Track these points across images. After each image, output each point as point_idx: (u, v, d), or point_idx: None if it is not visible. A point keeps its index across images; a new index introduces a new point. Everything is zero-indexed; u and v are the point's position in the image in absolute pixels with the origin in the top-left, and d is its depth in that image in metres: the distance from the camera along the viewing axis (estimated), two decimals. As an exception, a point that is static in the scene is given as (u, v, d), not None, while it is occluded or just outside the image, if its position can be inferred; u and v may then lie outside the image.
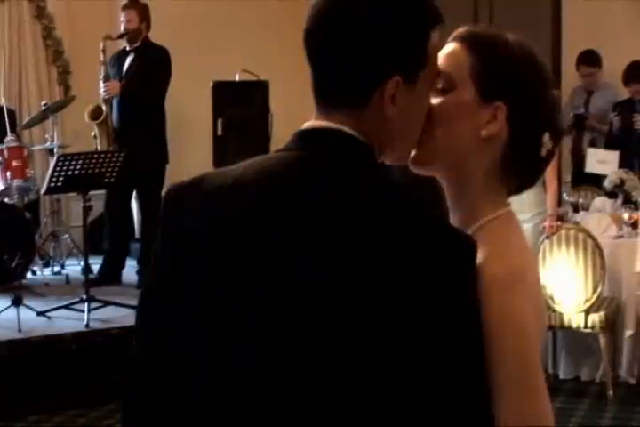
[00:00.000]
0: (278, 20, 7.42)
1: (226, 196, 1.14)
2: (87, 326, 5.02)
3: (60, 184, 5.33)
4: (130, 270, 6.34)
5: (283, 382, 1.07)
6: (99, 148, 6.21)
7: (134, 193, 6.49)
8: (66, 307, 5.24)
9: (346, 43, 1.12)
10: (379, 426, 1.05)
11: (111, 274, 6.27)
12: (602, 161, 6.17)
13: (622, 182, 5.53)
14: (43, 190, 5.59)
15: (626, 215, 5.22)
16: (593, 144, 6.91)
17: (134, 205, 6.90)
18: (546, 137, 1.25)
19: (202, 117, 7.01)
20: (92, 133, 6.31)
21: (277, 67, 7.08)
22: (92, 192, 5.70)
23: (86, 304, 5.09)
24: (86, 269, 5.55)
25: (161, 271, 1.19)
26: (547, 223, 4.99)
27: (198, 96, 6.99)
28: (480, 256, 1.11)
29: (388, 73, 1.12)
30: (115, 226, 6.41)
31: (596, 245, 4.82)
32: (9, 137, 6.35)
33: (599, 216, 5.52)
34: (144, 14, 6.28)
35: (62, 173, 5.27)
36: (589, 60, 6.85)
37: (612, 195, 5.74)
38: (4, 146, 6.23)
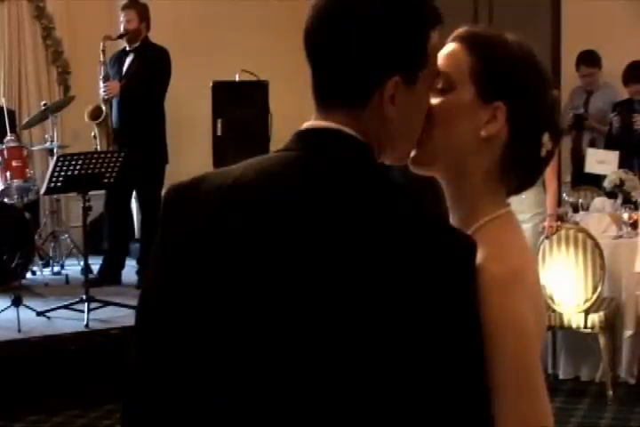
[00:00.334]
0: (278, 21, 7.41)
1: (226, 196, 1.14)
2: (87, 326, 5.02)
3: (59, 184, 5.33)
4: (130, 270, 6.34)
5: (284, 382, 1.07)
6: (98, 148, 6.21)
7: (134, 193, 6.49)
8: (66, 307, 5.24)
9: (346, 43, 1.12)
10: (378, 426, 1.05)
11: (111, 274, 6.27)
12: (601, 161, 6.17)
13: (622, 182, 5.53)
14: (42, 190, 5.59)
15: (625, 215, 5.22)
16: (593, 144, 6.91)
17: (134, 205, 6.91)
18: (545, 137, 1.25)
19: (202, 117, 7.01)
20: (92, 133, 6.31)
21: (277, 67, 7.08)
22: (91, 192, 5.70)
23: (86, 304, 5.09)
24: (86, 269, 5.56)
25: (160, 272, 1.19)
26: (546, 223, 4.99)
27: (198, 96, 7.00)
28: (480, 256, 1.11)
29: (388, 73, 1.12)
30: (115, 226, 6.41)
31: (596, 245, 4.82)
32: (9, 137, 6.35)
33: (599, 216, 5.52)
34: (144, 14, 6.28)
35: (62, 173, 5.27)
36: (589, 60, 6.86)
37: (611, 195, 5.74)
38: (3, 146, 6.23)
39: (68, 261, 6.76)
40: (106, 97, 6.21)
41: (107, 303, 5.27)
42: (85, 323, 5.01)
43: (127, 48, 6.37)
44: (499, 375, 1.10)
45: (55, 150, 6.29)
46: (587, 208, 5.73)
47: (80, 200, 5.54)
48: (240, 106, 6.73)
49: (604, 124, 6.87)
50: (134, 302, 5.53)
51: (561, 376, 5.06)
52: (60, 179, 5.29)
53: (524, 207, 4.68)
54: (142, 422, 1.19)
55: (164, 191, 1.27)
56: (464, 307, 1.08)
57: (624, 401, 4.61)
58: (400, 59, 1.13)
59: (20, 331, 4.88)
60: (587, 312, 4.79)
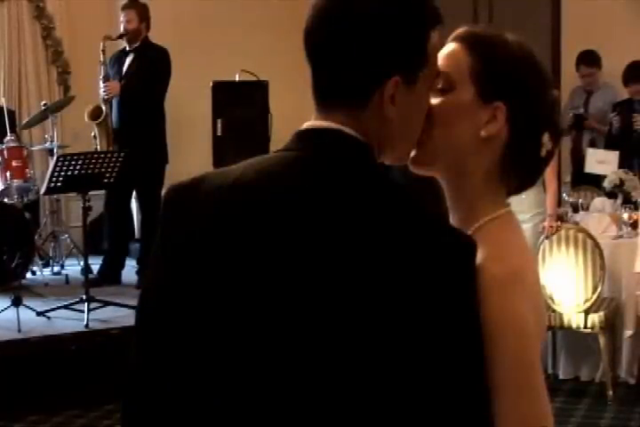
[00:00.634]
0: (278, 20, 7.42)
1: (226, 196, 1.14)
2: (87, 326, 5.02)
3: (59, 184, 5.33)
4: (130, 270, 6.34)
5: (284, 382, 1.07)
6: (98, 148, 6.21)
7: (134, 193, 6.49)
8: (65, 307, 5.24)
9: (346, 43, 1.12)
10: (378, 426, 1.05)
11: (111, 274, 6.27)
12: (601, 161, 6.17)
13: (622, 182, 5.53)
14: (42, 191, 5.59)
15: (625, 215, 5.21)
16: (592, 144, 6.91)
17: (134, 205, 6.91)
18: (545, 137, 1.25)
19: (202, 117, 7.01)
20: (92, 134, 6.31)
21: (277, 67, 7.08)
22: (91, 192, 5.70)
23: (86, 304, 5.10)
24: (86, 269, 5.56)
25: (160, 272, 1.19)
26: (546, 223, 4.99)
27: (198, 96, 7.00)
28: (480, 256, 1.11)
29: (388, 73, 1.13)
30: (115, 226, 6.41)
31: (596, 246, 4.82)
32: (9, 137, 6.35)
33: (599, 216, 5.52)
34: (144, 14, 6.28)
35: (62, 174, 5.27)
36: (589, 60, 6.86)
37: (611, 195, 5.74)
38: (3, 146, 6.23)
39: (67, 261, 6.76)
40: (106, 97, 6.21)
41: (107, 303, 5.27)
42: (85, 323, 5.01)
43: (127, 48, 6.37)
44: (499, 375, 1.10)
45: (55, 150, 6.29)
46: (587, 208, 5.73)
47: (80, 200, 5.53)
48: (240, 106, 6.73)
49: (604, 124, 6.87)
50: (134, 302, 5.53)
51: (561, 376, 5.06)
52: (60, 179, 5.29)
53: (524, 207, 4.68)
54: (142, 422, 1.19)
55: (164, 191, 1.27)
56: (464, 307, 1.08)
57: (624, 401, 4.61)
58: (400, 59, 1.13)
59: (19, 331, 4.88)
60: (587, 312, 4.79)
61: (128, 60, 6.32)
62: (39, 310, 5.18)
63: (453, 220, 1.26)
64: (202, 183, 1.17)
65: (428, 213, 1.11)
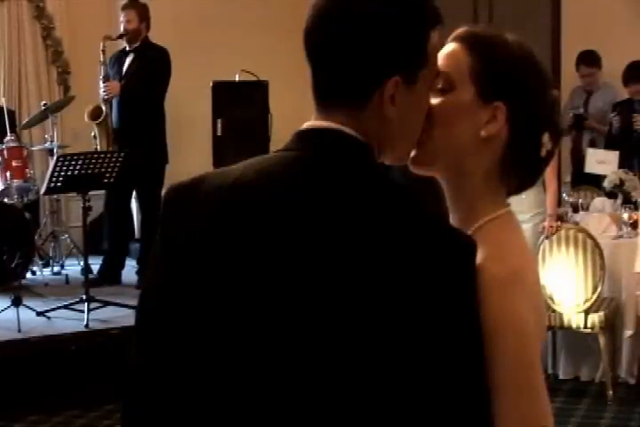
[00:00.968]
0: (278, 20, 7.42)
1: (226, 196, 1.14)
2: (87, 326, 5.02)
3: (59, 184, 5.33)
4: (130, 270, 6.34)
5: (284, 382, 1.07)
6: (98, 148, 6.22)
7: (134, 193, 6.49)
8: (65, 307, 5.24)
9: (346, 43, 1.12)
10: (378, 426, 1.05)
11: (111, 274, 6.27)
12: (601, 161, 6.17)
13: (622, 182, 5.53)
14: (42, 191, 5.59)
15: (625, 215, 5.21)
16: (592, 144, 6.91)
17: (134, 205, 6.91)
18: (545, 137, 1.25)
19: (202, 117, 7.01)
20: (92, 134, 6.31)
21: (277, 67, 7.08)
22: (91, 192, 5.70)
23: (86, 304, 5.10)
24: (86, 269, 5.56)
25: (160, 272, 1.19)
26: (546, 223, 4.99)
27: (198, 96, 7.00)
28: (480, 256, 1.11)
29: (388, 73, 1.13)
30: (115, 226, 6.41)
31: (596, 246, 4.82)
32: (9, 137, 6.35)
33: (599, 216, 5.52)
34: (144, 14, 6.28)
35: (62, 174, 5.27)
36: (589, 60, 6.86)
37: (611, 195, 5.74)
38: (3, 146, 6.23)
39: (67, 261, 6.77)
40: (106, 97, 6.21)
41: (107, 303, 5.27)
42: (85, 323, 5.01)
43: (127, 48, 6.37)
44: (499, 375, 1.10)
45: (55, 150, 6.29)
46: (587, 208, 5.73)
47: (80, 200, 5.54)
48: (240, 106, 6.73)
49: (604, 124, 6.87)
50: (134, 302, 5.53)
51: (561, 376, 5.06)
52: (60, 179, 5.29)
53: (524, 207, 4.68)
54: (142, 422, 1.19)
55: (164, 191, 1.27)
56: (464, 307, 1.08)
57: (624, 401, 4.61)
58: (400, 59, 1.13)
59: (19, 331, 4.88)
60: (587, 312, 4.79)
61: (128, 60, 6.32)
62: (39, 310, 5.18)
63: (453, 220, 1.26)
64: (202, 183, 1.17)
65: (428, 213, 1.11)
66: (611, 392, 4.68)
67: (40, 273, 6.45)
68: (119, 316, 5.13)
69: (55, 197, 6.80)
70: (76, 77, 7.46)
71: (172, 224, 1.19)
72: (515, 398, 1.11)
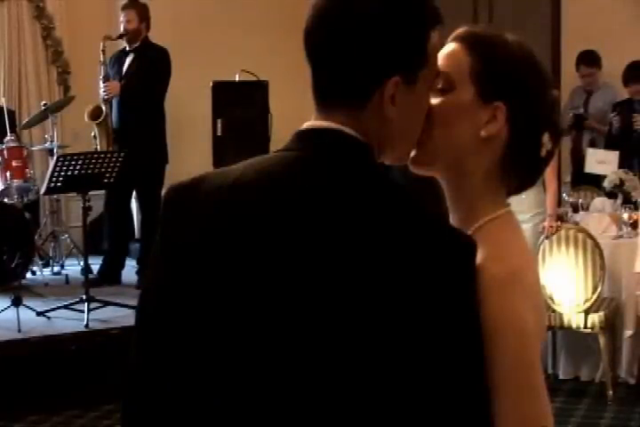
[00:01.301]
0: (278, 20, 7.42)
1: (226, 196, 1.14)
2: (87, 326, 5.02)
3: (59, 184, 5.33)
4: (130, 270, 6.34)
5: (284, 382, 1.07)
6: (98, 148, 6.22)
7: (134, 193, 6.49)
8: (65, 307, 5.24)
9: (346, 43, 1.12)
10: (378, 425, 1.05)
11: (111, 274, 6.27)
12: (601, 161, 6.17)
13: (622, 182, 5.53)
14: (42, 190, 5.59)
15: (625, 215, 5.21)
16: (593, 144, 6.91)
17: (134, 205, 6.91)
18: (545, 137, 1.25)
19: (202, 117, 7.01)
20: (92, 134, 6.31)
21: (277, 67, 7.08)
22: (91, 192, 5.70)
23: (86, 304, 5.10)
24: (86, 269, 5.56)
25: (160, 272, 1.19)
26: (546, 223, 4.99)
27: (198, 96, 7.00)
28: (480, 256, 1.11)
29: (388, 73, 1.12)
30: (115, 226, 6.41)
31: (596, 245, 4.82)
32: (9, 137, 6.35)
33: (599, 216, 5.52)
34: (144, 14, 6.28)
35: (62, 174, 5.27)
36: (589, 60, 6.86)
37: (611, 195, 5.74)
38: (3, 146, 6.23)
39: (67, 261, 6.76)
40: (106, 97, 6.21)
41: (107, 303, 5.27)
42: (85, 323, 5.01)
43: (127, 48, 6.37)
44: (499, 375, 1.10)
45: (55, 150, 6.29)
46: (587, 208, 5.73)
47: (80, 200, 5.54)
48: (240, 106, 6.73)
49: (604, 124, 6.87)
50: (134, 302, 5.52)
51: (561, 376, 5.06)
52: (60, 179, 5.29)
53: (524, 207, 4.68)
54: (142, 421, 1.19)
55: (164, 191, 1.27)
56: (463, 306, 1.08)
57: (624, 401, 4.61)
58: (400, 59, 1.13)
59: (19, 331, 4.88)
60: (587, 312, 4.79)
61: (128, 60, 6.32)
62: (39, 310, 5.18)
63: (453, 220, 1.26)
64: (202, 183, 1.17)
65: (428, 213, 1.11)
66: (611, 392, 4.68)
67: (40, 273, 6.45)
68: (119, 316, 5.13)
69: (55, 197, 6.80)
70: (76, 77, 7.46)
71: (171, 224, 1.19)
72: (515, 398, 1.11)
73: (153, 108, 6.23)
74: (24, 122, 6.86)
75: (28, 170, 6.34)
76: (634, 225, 5.19)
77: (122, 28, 6.28)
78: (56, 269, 6.66)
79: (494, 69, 1.22)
